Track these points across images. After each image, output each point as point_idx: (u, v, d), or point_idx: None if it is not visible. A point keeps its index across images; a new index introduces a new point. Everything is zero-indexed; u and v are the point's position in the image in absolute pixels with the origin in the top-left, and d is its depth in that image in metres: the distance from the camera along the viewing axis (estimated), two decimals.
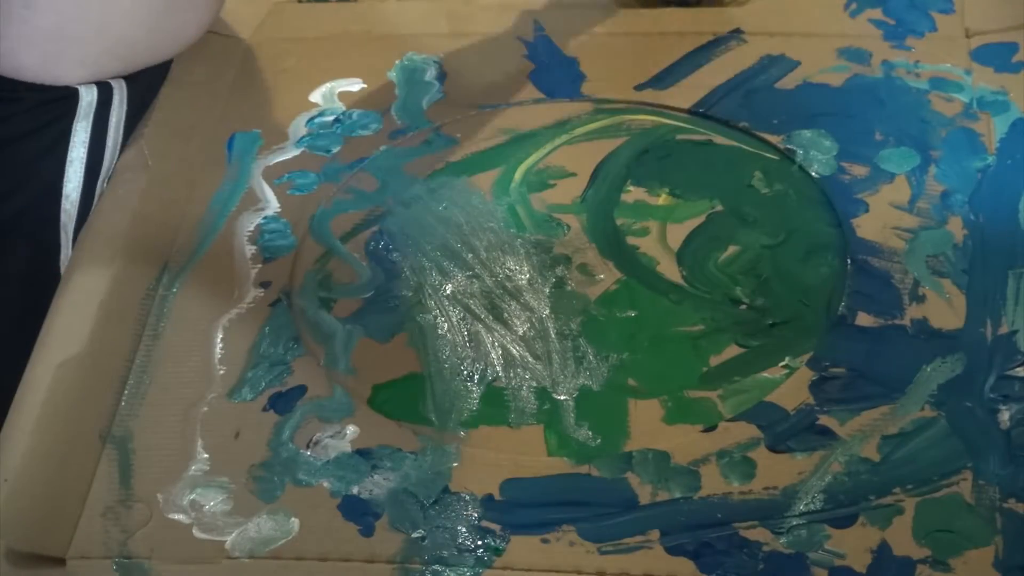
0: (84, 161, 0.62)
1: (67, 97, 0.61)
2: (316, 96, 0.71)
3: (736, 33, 0.71)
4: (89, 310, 0.59)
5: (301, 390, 0.56)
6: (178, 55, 0.70)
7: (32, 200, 0.62)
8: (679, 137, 0.66)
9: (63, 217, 0.62)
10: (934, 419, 0.51)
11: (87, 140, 0.62)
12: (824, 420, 0.52)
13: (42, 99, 0.61)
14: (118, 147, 0.64)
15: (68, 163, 0.62)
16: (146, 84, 0.66)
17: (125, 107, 0.64)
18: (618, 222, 0.62)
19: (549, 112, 0.68)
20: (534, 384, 0.55)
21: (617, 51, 0.71)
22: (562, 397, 0.55)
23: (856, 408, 0.52)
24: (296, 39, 0.75)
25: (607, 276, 0.60)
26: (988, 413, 0.51)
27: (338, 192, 0.66)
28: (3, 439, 0.53)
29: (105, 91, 0.62)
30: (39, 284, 0.61)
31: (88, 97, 0.61)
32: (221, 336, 0.59)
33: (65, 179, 0.62)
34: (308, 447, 0.54)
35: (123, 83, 0.63)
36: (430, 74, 0.71)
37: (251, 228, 0.64)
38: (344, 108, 0.70)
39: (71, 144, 0.62)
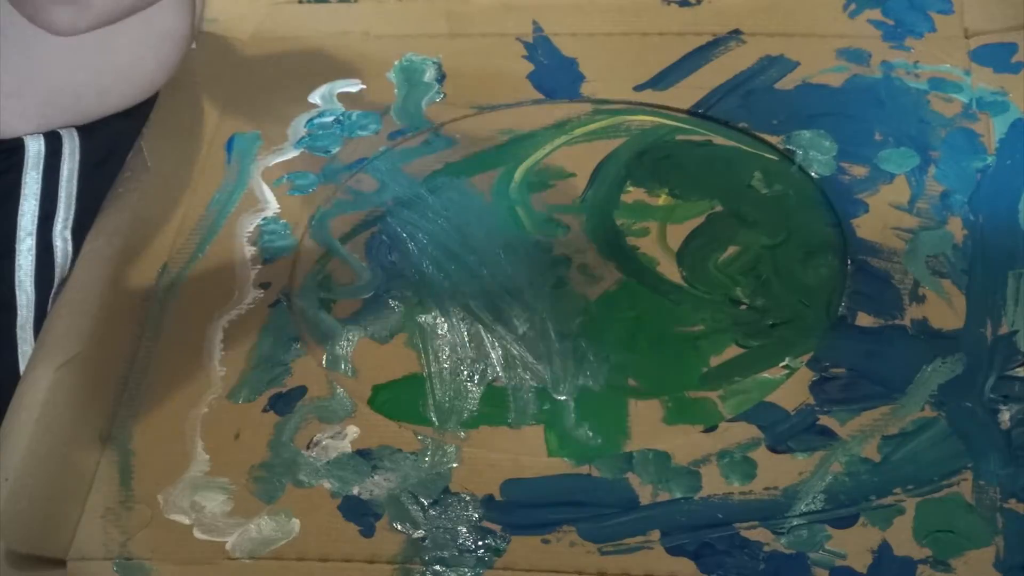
0: (36, 213, 0.61)
1: (14, 149, 0.60)
2: (315, 97, 0.71)
3: (735, 34, 0.71)
4: (89, 310, 0.59)
5: (301, 391, 0.56)
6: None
7: None
8: (678, 138, 0.66)
9: (18, 274, 0.61)
10: (934, 419, 0.51)
11: (39, 191, 0.60)
12: (824, 420, 0.52)
13: None
14: (74, 198, 0.62)
15: (20, 215, 0.60)
16: (106, 136, 0.64)
17: (78, 157, 0.62)
18: (618, 222, 0.62)
19: (548, 113, 0.68)
20: (534, 384, 0.55)
21: (617, 51, 0.71)
22: (562, 397, 0.55)
23: (856, 408, 0.52)
24: (296, 39, 0.75)
25: (607, 276, 0.60)
26: (988, 413, 0.51)
27: (338, 193, 0.66)
28: (3, 439, 0.53)
29: (53, 141, 0.61)
30: None
31: (35, 147, 0.60)
32: (221, 337, 0.59)
33: (18, 232, 0.61)
34: (308, 448, 0.53)
35: (74, 132, 0.62)
36: (429, 75, 0.71)
37: (251, 229, 0.64)
38: (343, 109, 0.70)
39: (22, 195, 0.60)
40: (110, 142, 0.65)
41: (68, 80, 0.60)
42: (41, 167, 0.60)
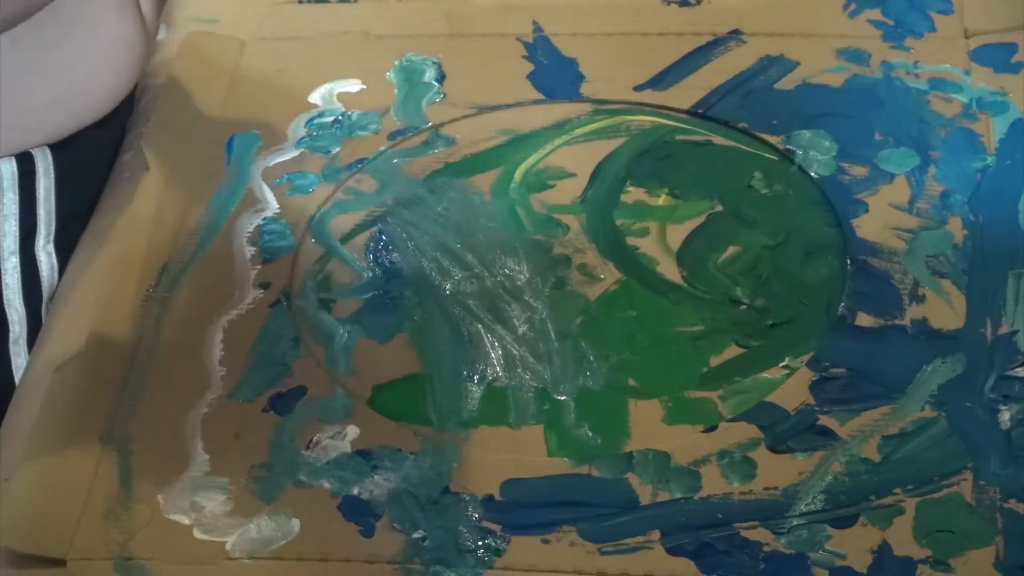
0: (17, 234, 0.61)
1: None
2: (315, 97, 0.71)
3: (735, 34, 0.71)
4: (89, 310, 0.59)
5: (301, 391, 0.56)
6: (178, 55, 0.70)
7: None
8: (678, 138, 0.66)
9: (6, 292, 0.61)
10: (934, 419, 0.51)
11: (17, 211, 0.61)
12: (824, 420, 0.52)
13: None
14: (53, 215, 0.63)
15: (2, 236, 0.61)
16: (80, 149, 0.64)
17: (53, 174, 0.62)
18: (618, 222, 0.62)
19: (548, 113, 0.68)
20: (534, 384, 0.55)
21: (617, 51, 0.71)
22: (562, 397, 0.55)
23: (856, 408, 0.52)
24: (296, 39, 0.75)
25: (607, 276, 0.60)
26: (988, 413, 0.51)
27: (337, 193, 0.66)
28: (3, 440, 0.53)
29: (25, 161, 0.61)
30: None
31: (8, 169, 0.60)
32: (221, 337, 0.59)
33: (2, 251, 0.61)
34: (308, 448, 0.53)
35: (47, 150, 0.62)
36: (429, 75, 0.71)
37: (251, 229, 0.64)
38: (343, 109, 0.70)
39: (2, 216, 0.60)
40: (85, 155, 0.65)
41: (28, 102, 0.60)
42: (17, 188, 0.60)
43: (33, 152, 0.61)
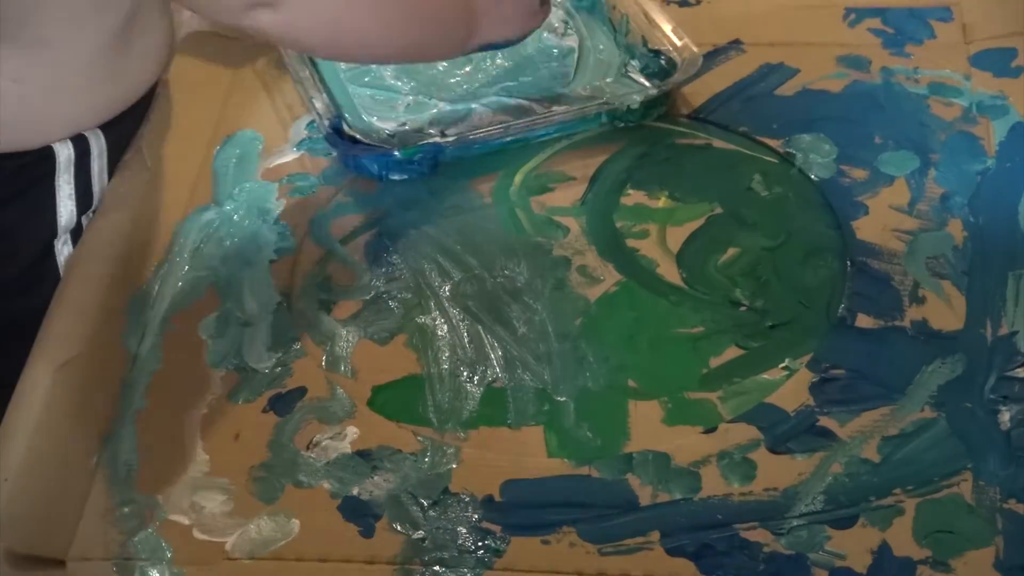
0: (74, 212, 0.63)
1: (44, 157, 0.61)
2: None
3: (735, 44, 0.71)
4: (89, 310, 0.59)
5: (301, 391, 0.56)
6: (178, 57, 0.70)
7: (28, 260, 0.63)
8: (678, 141, 0.66)
9: (62, 271, 0.63)
10: (934, 420, 0.52)
11: (72, 193, 0.62)
12: (824, 421, 0.52)
13: (19, 164, 0.60)
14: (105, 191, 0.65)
15: (59, 216, 0.62)
16: (123, 129, 0.66)
17: (106, 154, 0.63)
18: (618, 225, 0.62)
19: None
20: (534, 385, 0.55)
21: None
22: (562, 398, 0.55)
23: (856, 409, 0.52)
24: None
25: (607, 278, 0.60)
26: (988, 414, 0.51)
27: (338, 195, 0.66)
28: (3, 440, 0.53)
29: (81, 143, 0.62)
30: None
31: (64, 152, 0.61)
32: None
33: (58, 232, 0.63)
34: (308, 448, 0.53)
35: (99, 132, 0.63)
36: None
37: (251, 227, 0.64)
38: None
39: (58, 199, 0.62)
40: (125, 137, 0.66)
41: (85, 88, 0.61)
42: (72, 171, 0.62)
43: (87, 135, 0.62)
